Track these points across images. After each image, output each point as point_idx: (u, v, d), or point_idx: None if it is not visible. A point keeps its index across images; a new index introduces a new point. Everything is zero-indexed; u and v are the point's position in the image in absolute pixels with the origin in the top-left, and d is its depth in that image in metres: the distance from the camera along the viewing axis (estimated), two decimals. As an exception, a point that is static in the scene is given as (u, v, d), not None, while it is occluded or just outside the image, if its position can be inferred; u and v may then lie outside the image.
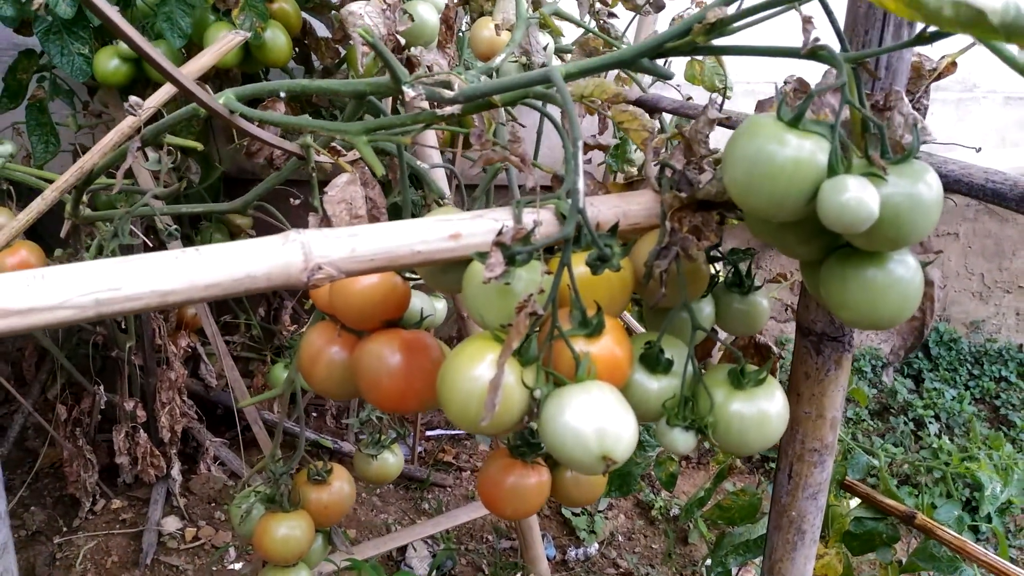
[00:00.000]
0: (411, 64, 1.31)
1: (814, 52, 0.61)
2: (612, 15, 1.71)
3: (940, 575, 1.36)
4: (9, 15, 1.56)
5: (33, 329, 0.55)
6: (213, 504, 2.13)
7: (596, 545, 2.30)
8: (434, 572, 1.99)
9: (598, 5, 1.66)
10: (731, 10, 0.62)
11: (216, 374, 2.19)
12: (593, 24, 1.71)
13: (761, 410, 0.70)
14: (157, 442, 1.94)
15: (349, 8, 1.05)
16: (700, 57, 1.86)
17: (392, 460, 1.37)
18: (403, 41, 1.15)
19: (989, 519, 1.70)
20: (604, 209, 0.75)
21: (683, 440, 0.70)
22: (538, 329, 0.66)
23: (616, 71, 1.76)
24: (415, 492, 2.35)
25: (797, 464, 0.98)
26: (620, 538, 2.35)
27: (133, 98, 1.02)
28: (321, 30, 1.92)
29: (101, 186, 1.17)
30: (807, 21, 0.59)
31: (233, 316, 2.28)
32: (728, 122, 0.86)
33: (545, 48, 1.56)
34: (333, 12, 1.88)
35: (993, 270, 3.15)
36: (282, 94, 0.92)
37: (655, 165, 0.78)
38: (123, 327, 1.91)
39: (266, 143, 1.02)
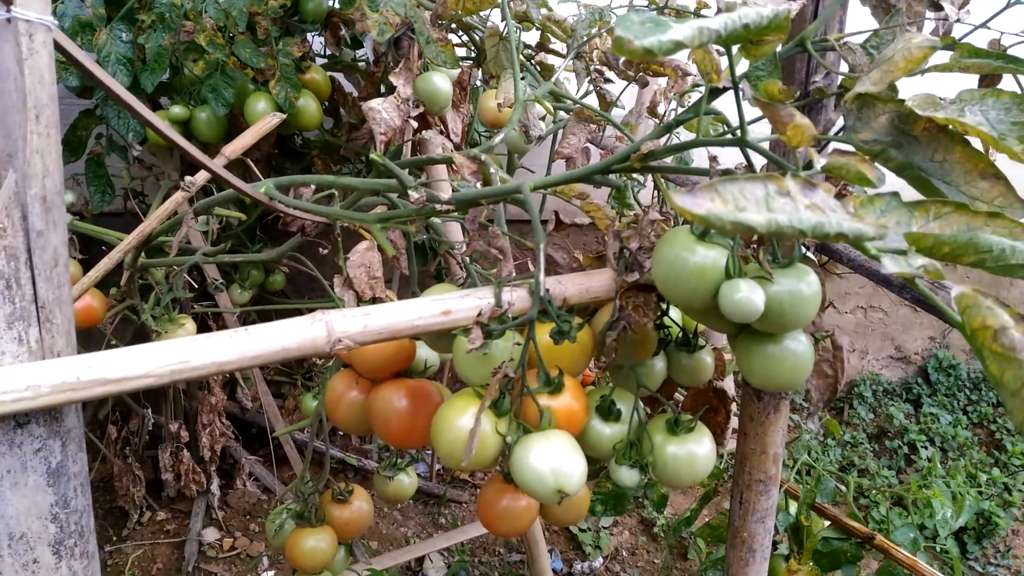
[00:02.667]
0: (421, 146, 1.50)
1: (722, 174, 0.78)
2: (608, 81, 1.90)
3: (899, 592, 1.51)
4: (74, 85, 1.77)
5: (124, 392, 0.74)
6: (248, 516, 2.32)
7: (601, 560, 2.46)
8: (448, 583, 2.17)
9: (595, 74, 1.84)
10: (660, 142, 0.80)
11: (251, 397, 2.40)
12: (592, 89, 1.89)
13: (691, 452, 0.87)
14: (198, 459, 2.14)
15: (369, 104, 1.24)
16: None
17: (407, 481, 1.55)
18: (416, 126, 1.35)
19: (946, 540, 1.84)
20: (570, 286, 0.93)
21: (629, 476, 0.87)
22: (511, 388, 0.84)
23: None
24: (433, 507, 2.53)
25: (746, 493, 1.15)
26: (624, 553, 2.51)
27: (188, 178, 1.22)
28: (348, 86, 2.12)
29: (159, 246, 1.36)
30: (713, 159, 0.76)
31: (266, 343, 2.48)
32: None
33: (543, 119, 1.74)
34: (358, 73, 2.08)
35: (990, 299, 3.26)
36: (312, 186, 1.10)
37: (615, 252, 0.96)
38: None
39: (300, 216, 1.21)
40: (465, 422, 0.81)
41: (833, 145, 0.72)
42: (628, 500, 1.80)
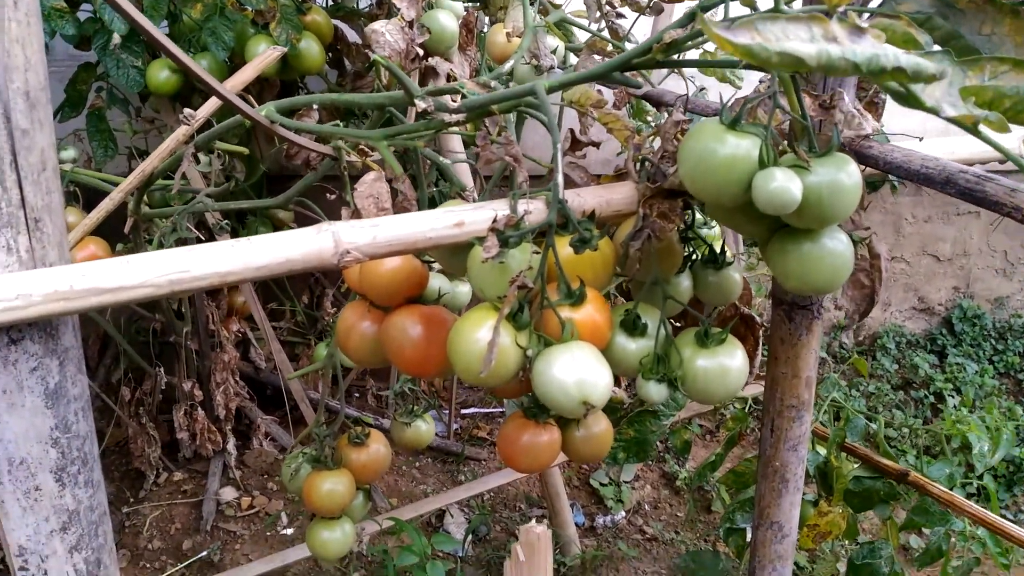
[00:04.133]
0: (430, 72, 1.45)
1: (750, 64, 0.73)
2: (620, 15, 1.83)
3: (933, 528, 1.47)
4: (70, 33, 1.72)
5: (120, 303, 0.70)
6: (266, 476, 2.30)
7: (623, 513, 2.43)
8: (469, 536, 2.14)
9: (607, 7, 1.77)
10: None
11: (265, 357, 2.37)
12: (604, 23, 1.83)
13: (722, 364, 0.82)
14: (213, 419, 2.12)
15: (372, 27, 1.19)
16: (712, 49, 1.96)
17: (424, 427, 1.51)
18: (421, 52, 1.29)
19: (981, 477, 1.79)
20: (589, 198, 0.88)
21: (656, 391, 0.83)
22: (531, 300, 0.79)
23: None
24: (452, 465, 2.50)
25: (778, 420, 1.10)
26: (646, 507, 2.48)
27: (187, 110, 1.17)
28: (352, 36, 2.06)
29: (159, 187, 1.32)
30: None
31: (279, 303, 2.45)
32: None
33: (554, 51, 1.68)
34: (362, 19, 2.02)
35: (1016, 247, 3.18)
36: (315, 107, 1.05)
37: (635, 160, 0.91)
38: (180, 314, 2.08)
39: (303, 147, 1.17)
40: (483, 335, 0.77)
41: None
42: (651, 446, 1.76)
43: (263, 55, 1.31)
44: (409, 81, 0.89)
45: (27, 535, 0.75)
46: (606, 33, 1.84)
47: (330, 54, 2.00)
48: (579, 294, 0.79)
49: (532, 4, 1.44)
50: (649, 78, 1.81)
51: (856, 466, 1.61)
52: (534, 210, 0.83)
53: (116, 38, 1.68)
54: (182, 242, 1.38)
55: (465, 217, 0.82)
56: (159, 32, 0.82)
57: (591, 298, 0.80)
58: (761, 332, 1.09)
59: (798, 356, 1.05)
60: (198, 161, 1.36)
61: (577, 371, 0.74)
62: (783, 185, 0.67)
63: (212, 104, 1.29)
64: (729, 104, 0.73)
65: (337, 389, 1.45)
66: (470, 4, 1.78)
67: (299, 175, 2.42)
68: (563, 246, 0.81)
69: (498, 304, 0.80)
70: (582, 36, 2.07)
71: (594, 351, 0.76)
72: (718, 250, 0.95)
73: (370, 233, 0.78)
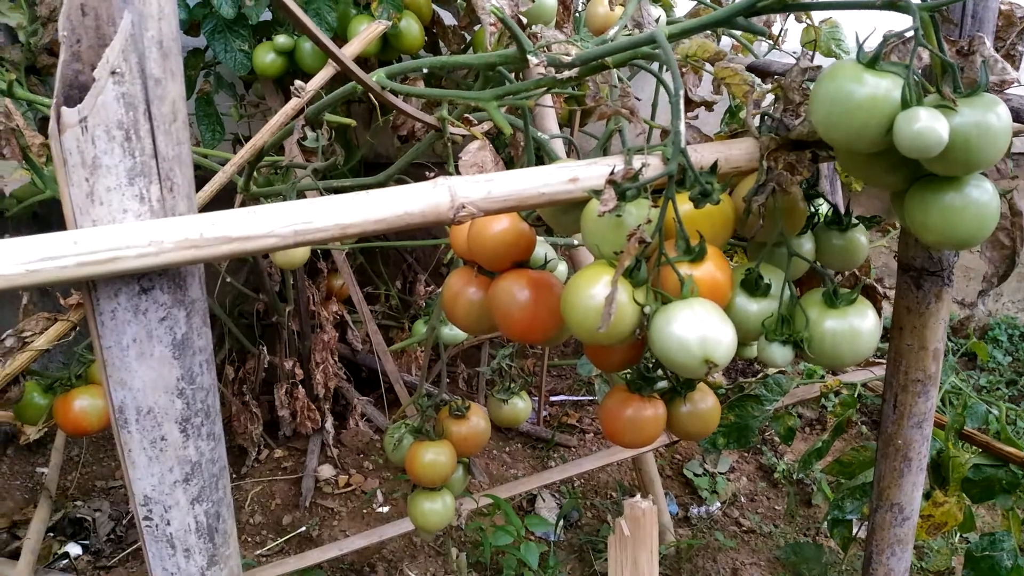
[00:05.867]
0: (533, 39, 1.43)
1: (892, 4, 0.68)
2: (726, -17, 1.78)
3: (1064, 522, 1.37)
4: (181, 18, 1.79)
5: (247, 253, 0.71)
6: (362, 455, 2.34)
7: (718, 504, 2.37)
8: (561, 521, 2.13)
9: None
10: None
11: (361, 339, 2.41)
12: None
13: (853, 326, 0.78)
14: (313, 398, 2.16)
15: (477, -8, 1.18)
16: (817, 23, 1.88)
17: (521, 405, 1.50)
18: (525, 20, 1.28)
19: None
20: (707, 154, 0.84)
21: (780, 354, 0.79)
22: (648, 256, 0.76)
23: (731, 42, 1.82)
24: (541, 451, 2.49)
25: (901, 395, 1.04)
26: (742, 499, 2.41)
27: (298, 82, 1.19)
28: (448, 19, 2.07)
29: (269, 163, 1.35)
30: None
31: (374, 287, 2.49)
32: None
33: (657, 20, 1.64)
34: (459, 2, 2.02)
35: None
36: (424, 70, 1.05)
37: (755, 115, 0.87)
38: (282, 296, 2.13)
39: (410, 115, 1.17)
40: (599, 291, 0.75)
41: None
42: (752, 432, 1.71)
43: (369, 28, 1.33)
44: (523, 35, 0.88)
45: (152, 485, 0.77)
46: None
47: (426, 38, 2.01)
48: (699, 250, 0.76)
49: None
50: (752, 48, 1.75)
51: (973, 454, 1.52)
52: (651, 165, 0.81)
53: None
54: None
55: (580, 172, 0.80)
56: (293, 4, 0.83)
57: (711, 255, 0.77)
58: (882, 302, 1.04)
59: (925, 326, 0.99)
60: (305, 137, 1.38)
61: (699, 328, 0.71)
62: (928, 125, 0.63)
63: (320, 77, 1.31)
64: (865, 41, 0.69)
65: (432, 370, 1.46)
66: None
67: (393, 161, 2.46)
68: (682, 202, 0.78)
69: (614, 260, 0.77)
70: (681, 12, 2.03)
71: (716, 308, 0.73)
72: (843, 211, 0.90)
73: (485, 188, 0.77)
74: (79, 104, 0.65)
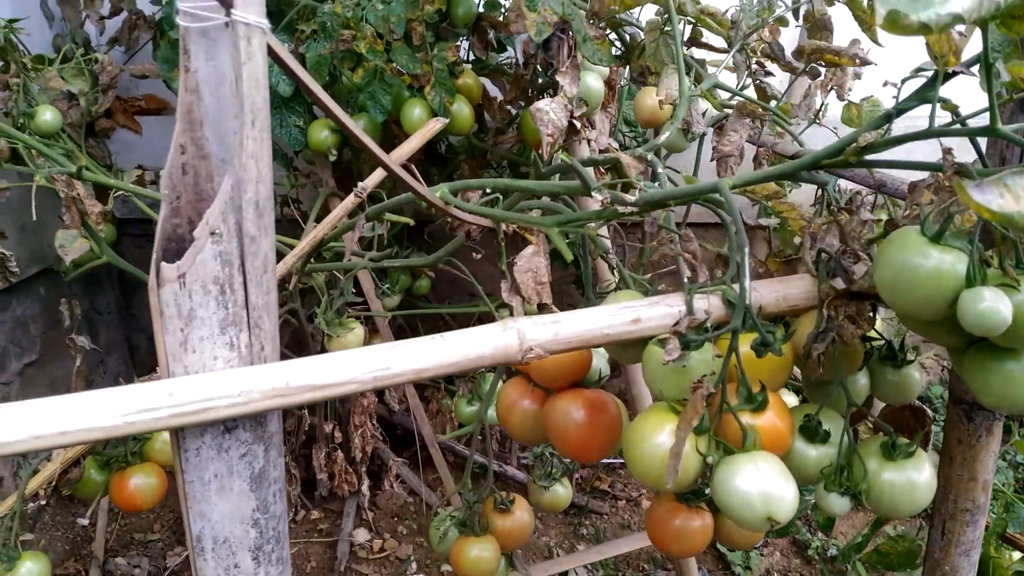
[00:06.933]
0: (571, 130, 1.45)
1: (958, 172, 0.71)
2: (768, 74, 1.81)
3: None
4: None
5: (329, 399, 0.74)
6: (396, 518, 2.36)
7: (751, 579, 2.35)
8: (594, 595, 2.13)
9: (755, 67, 1.76)
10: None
11: (398, 399, 2.43)
12: (752, 83, 1.81)
13: (911, 479, 0.79)
14: (350, 460, 2.19)
15: (537, 106, 1.22)
16: (857, 100, 1.90)
17: (562, 492, 1.52)
18: (578, 125, 1.32)
19: None
20: (765, 293, 0.87)
21: (839, 504, 0.80)
22: (709, 404, 0.78)
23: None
24: (574, 518, 2.49)
25: (950, 522, 1.05)
26: (775, 575, 2.39)
27: (360, 184, 1.23)
28: (493, 91, 2.12)
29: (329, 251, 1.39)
30: (947, 152, 0.69)
31: (411, 347, 2.52)
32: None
33: (704, 114, 1.67)
34: (504, 77, 2.07)
35: None
36: (488, 190, 1.09)
37: (811, 251, 0.89)
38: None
39: (469, 221, 1.21)
40: (663, 440, 0.77)
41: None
42: (792, 521, 1.71)
43: (427, 127, 1.37)
44: (587, 174, 0.91)
45: (221, 606, 0.80)
46: (751, 91, 1.83)
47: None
48: (761, 399, 0.78)
49: (688, 74, 1.44)
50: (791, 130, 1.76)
51: (1018, 559, 1.51)
52: (713, 307, 0.83)
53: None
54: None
55: (642, 314, 0.82)
56: (345, 115, 0.87)
57: (772, 403, 0.79)
58: (931, 425, 1.05)
59: (976, 458, 1.00)
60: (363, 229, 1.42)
61: (762, 484, 0.73)
62: (993, 306, 0.65)
63: (379, 174, 1.35)
64: (931, 215, 0.71)
65: (485, 438, 1.47)
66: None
67: (433, 220, 2.50)
68: (743, 344, 0.80)
69: (677, 406, 0.80)
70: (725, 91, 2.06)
71: (779, 463, 0.75)
72: (897, 347, 0.92)
73: (552, 330, 0.80)
74: (178, 260, 0.69)
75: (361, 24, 1.64)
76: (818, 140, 1.91)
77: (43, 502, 1.27)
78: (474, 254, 1.95)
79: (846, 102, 1.96)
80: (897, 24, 0.45)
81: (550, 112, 1.21)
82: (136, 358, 2.84)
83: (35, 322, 2.32)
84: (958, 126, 0.72)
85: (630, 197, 0.89)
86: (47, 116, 1.81)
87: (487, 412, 1.37)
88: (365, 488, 2.22)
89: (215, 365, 0.71)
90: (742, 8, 1.56)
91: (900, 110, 0.76)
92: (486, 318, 2.59)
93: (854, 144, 0.75)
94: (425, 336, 0.77)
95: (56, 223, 1.75)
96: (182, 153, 0.69)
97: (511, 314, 1.66)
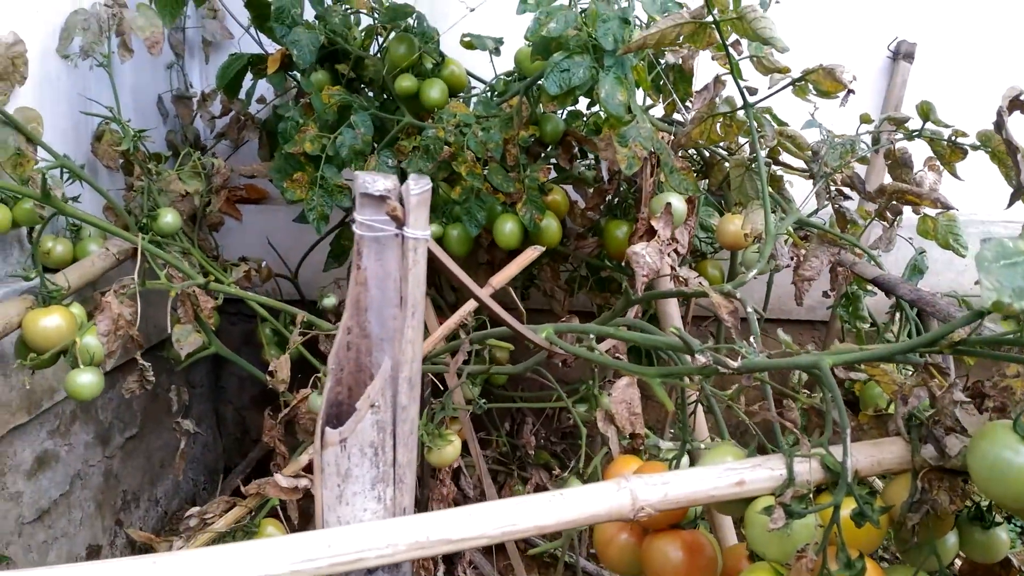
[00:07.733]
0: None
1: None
2: (847, 198, 1.88)
3: None
4: (346, 206, 1.99)
5: (460, 550, 0.82)
6: (467, 607, 2.41)
7: None
8: None
9: (835, 193, 1.83)
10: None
11: (473, 484, 2.50)
12: (831, 206, 1.88)
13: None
14: (425, 548, 2.26)
15: (633, 249, 1.31)
16: (933, 213, 1.95)
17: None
18: (671, 265, 1.40)
19: None
20: (860, 457, 0.93)
21: (933, 667, 0.85)
22: (811, 570, 0.84)
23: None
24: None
25: None
26: None
27: (461, 309, 1.33)
28: (574, 195, 2.21)
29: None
30: (1041, 357, 0.75)
31: (487, 432, 2.60)
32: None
33: (787, 242, 1.74)
34: (586, 186, 2.17)
35: None
36: (591, 336, 1.18)
37: (903, 412, 0.95)
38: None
39: (564, 355, 1.29)
40: (765, 601, 0.83)
41: None
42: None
43: (526, 255, 1.47)
44: (691, 340, 0.99)
45: None
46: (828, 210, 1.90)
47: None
48: (860, 568, 0.83)
49: (773, 212, 1.53)
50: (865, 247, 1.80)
51: None
52: (812, 470, 0.89)
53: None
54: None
55: (746, 476, 0.89)
56: (475, 285, 0.97)
57: (870, 569, 0.84)
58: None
59: (1066, 616, 1.02)
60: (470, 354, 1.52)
61: (862, 652, 0.78)
62: (1086, 507, 0.70)
63: (473, 303, 1.45)
64: (1023, 414, 0.77)
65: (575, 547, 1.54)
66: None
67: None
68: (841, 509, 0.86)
69: (779, 569, 0.86)
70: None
71: (878, 629, 0.80)
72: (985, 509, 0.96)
73: (662, 491, 0.87)
74: (340, 426, 0.78)
75: (463, 150, 1.77)
76: (895, 253, 1.94)
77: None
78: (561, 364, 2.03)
79: (922, 215, 2.00)
80: (1002, 309, 0.52)
81: (646, 255, 1.30)
82: (222, 428, 2.98)
83: (137, 399, 2.47)
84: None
85: (732, 363, 0.96)
86: (168, 219, 1.97)
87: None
88: (441, 573, 2.29)
89: (364, 516, 0.80)
90: (825, 142, 1.64)
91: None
92: (562, 412, 2.67)
93: (947, 338, 0.82)
94: (545, 493, 0.85)
95: (159, 303, 1.85)
96: (348, 333, 0.79)
97: (588, 409, 1.71)
